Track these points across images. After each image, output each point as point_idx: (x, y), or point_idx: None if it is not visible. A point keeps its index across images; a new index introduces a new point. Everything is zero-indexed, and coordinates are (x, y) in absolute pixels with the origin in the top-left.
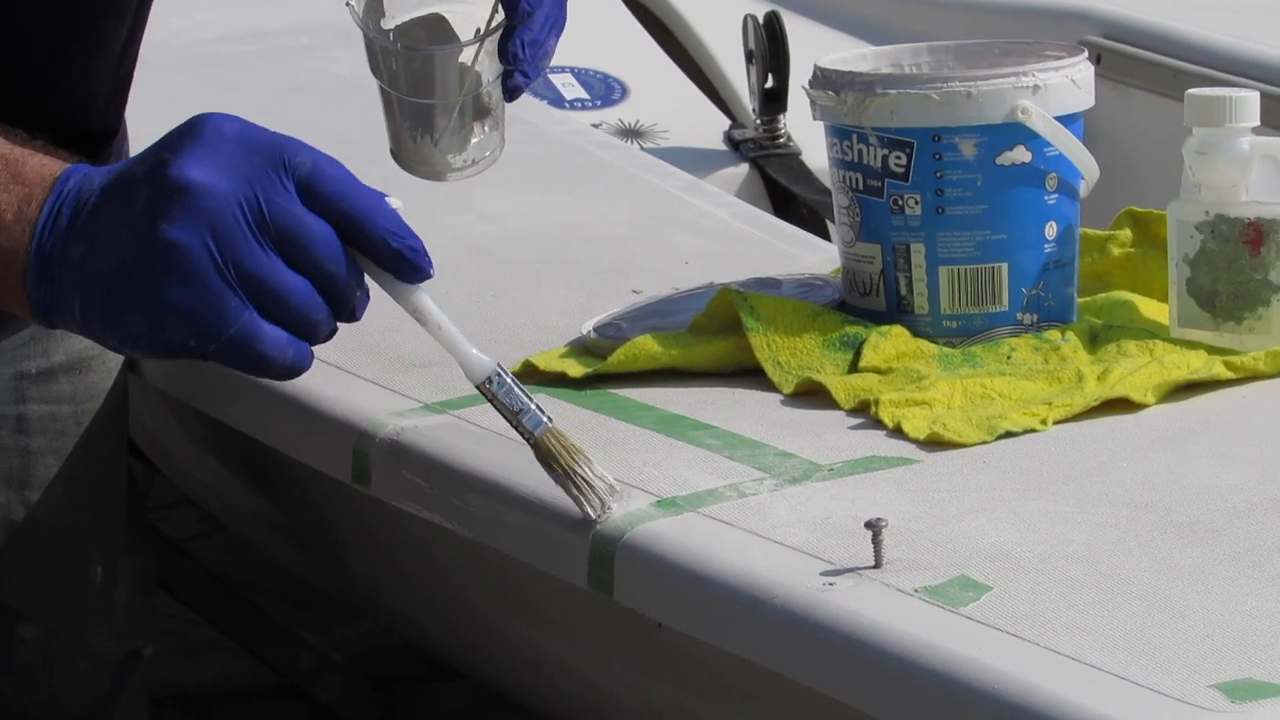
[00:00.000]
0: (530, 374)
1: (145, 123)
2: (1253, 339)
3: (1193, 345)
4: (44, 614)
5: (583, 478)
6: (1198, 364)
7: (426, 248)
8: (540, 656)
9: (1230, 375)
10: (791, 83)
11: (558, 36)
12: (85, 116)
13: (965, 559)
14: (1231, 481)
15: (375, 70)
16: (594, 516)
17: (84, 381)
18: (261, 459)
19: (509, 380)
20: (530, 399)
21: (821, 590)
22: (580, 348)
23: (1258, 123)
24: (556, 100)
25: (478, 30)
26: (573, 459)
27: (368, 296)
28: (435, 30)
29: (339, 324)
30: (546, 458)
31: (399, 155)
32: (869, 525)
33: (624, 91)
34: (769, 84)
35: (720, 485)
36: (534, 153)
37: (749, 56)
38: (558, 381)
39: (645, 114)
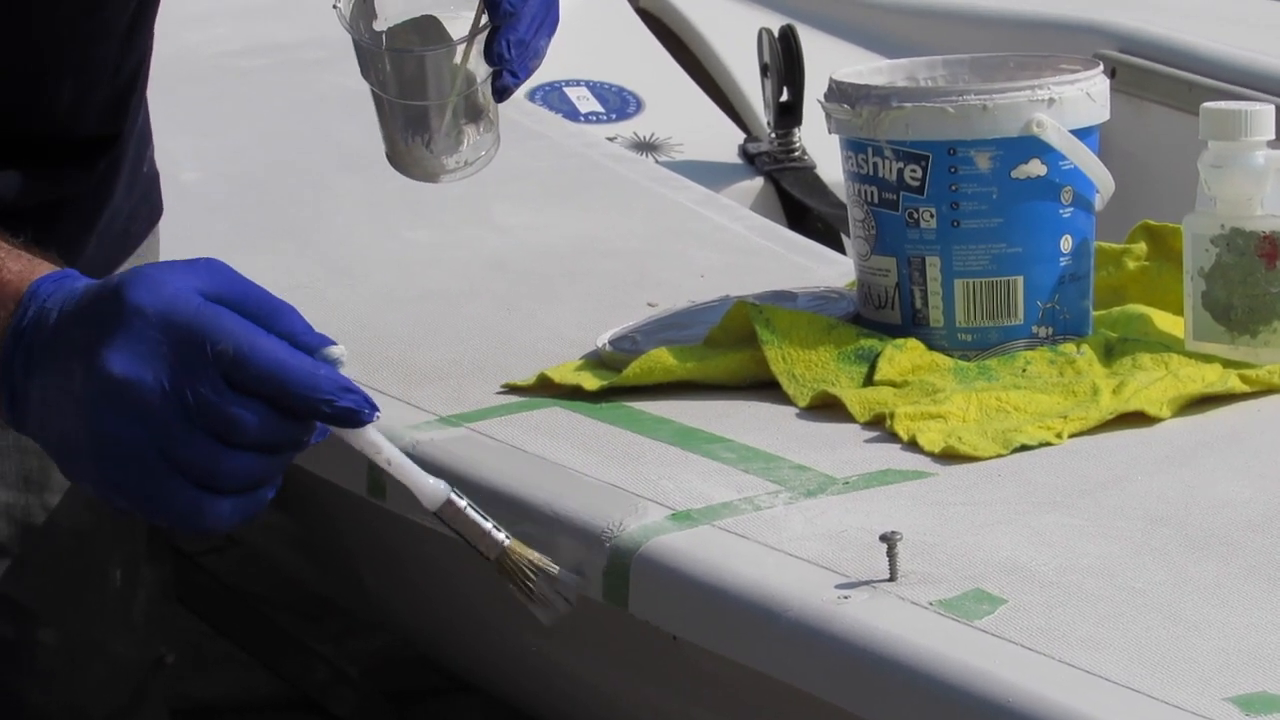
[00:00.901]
0: (545, 387)
1: (161, 134)
2: (1268, 352)
3: (1208, 359)
4: (63, 618)
5: (541, 592)
6: (1213, 377)
7: (368, 397)
8: (555, 669)
9: (1245, 389)
10: (806, 96)
11: (549, 37)
12: (81, 126)
13: (980, 572)
14: (1247, 495)
15: (365, 74)
16: (547, 624)
17: None
18: None
19: (463, 504)
20: (486, 519)
21: (836, 603)
22: (595, 360)
23: (1273, 136)
24: (571, 114)
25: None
26: (527, 576)
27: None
28: (428, 32)
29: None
30: (506, 575)
31: (393, 158)
32: (884, 538)
33: (639, 105)
34: (784, 97)
35: (735, 498)
36: (549, 166)
37: (764, 70)
38: (573, 394)
39: (660, 127)
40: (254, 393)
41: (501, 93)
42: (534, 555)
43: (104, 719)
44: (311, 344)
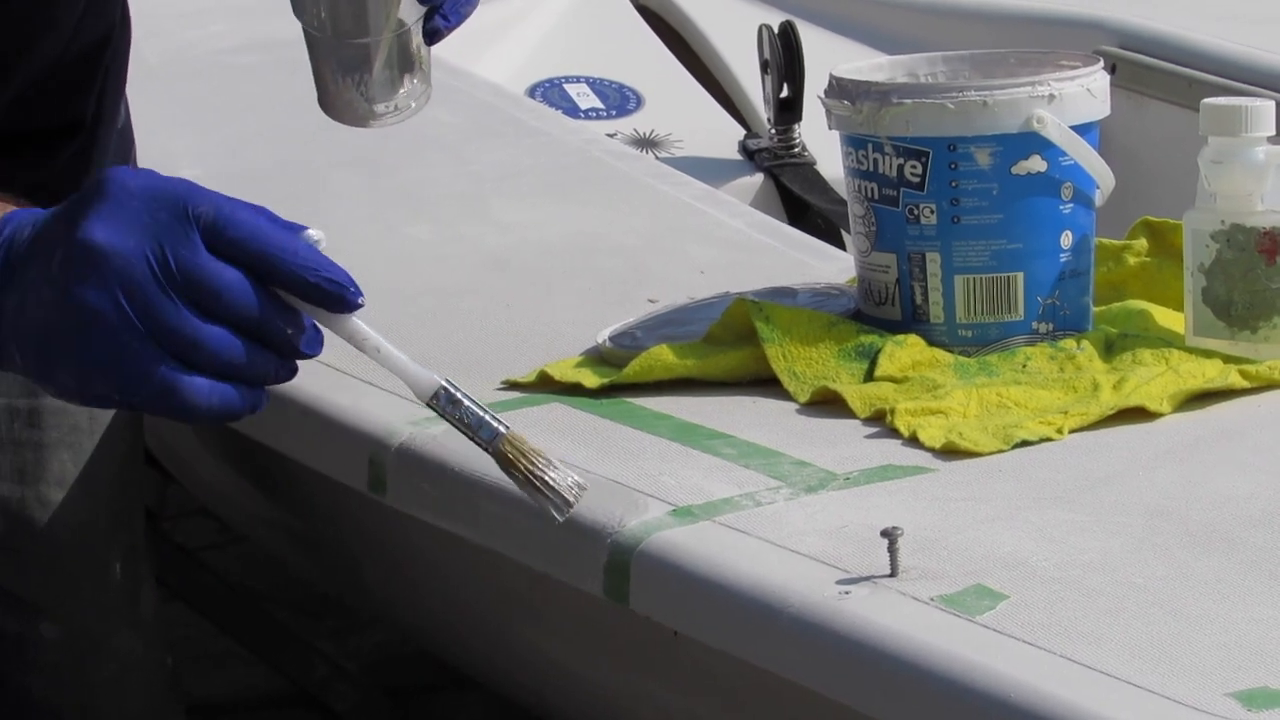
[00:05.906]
0: (545, 383)
1: (159, 132)
2: (1268, 348)
3: (1208, 354)
4: (65, 612)
5: (543, 480)
6: (1213, 373)
7: (352, 277)
8: (555, 666)
9: (1246, 384)
10: (806, 92)
11: None
12: (40, 99)
13: (981, 567)
14: (1247, 490)
15: (300, 13)
16: (559, 519)
17: None
18: (278, 467)
19: (459, 393)
20: (483, 408)
21: (837, 599)
22: (596, 357)
23: (1273, 132)
24: (571, 110)
25: None
26: (532, 463)
27: (318, 331)
28: None
29: (298, 362)
30: (506, 465)
31: (324, 102)
32: (885, 534)
33: (639, 101)
34: (784, 93)
35: (736, 494)
36: (549, 162)
37: (764, 66)
38: (573, 391)
39: (660, 124)
40: (233, 259)
41: (432, 35)
42: (533, 445)
43: None
44: (289, 225)
